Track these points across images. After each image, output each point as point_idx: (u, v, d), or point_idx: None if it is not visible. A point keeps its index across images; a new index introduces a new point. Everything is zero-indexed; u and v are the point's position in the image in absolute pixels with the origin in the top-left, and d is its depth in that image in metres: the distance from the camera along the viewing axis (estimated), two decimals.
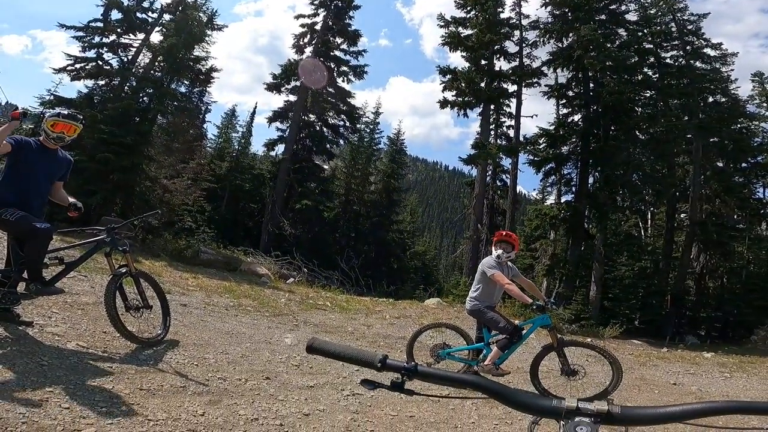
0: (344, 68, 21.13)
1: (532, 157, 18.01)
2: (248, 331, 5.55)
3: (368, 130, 23.47)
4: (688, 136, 17.03)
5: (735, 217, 18.50)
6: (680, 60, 18.21)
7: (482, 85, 17.92)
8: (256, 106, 31.31)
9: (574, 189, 17.54)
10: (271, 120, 21.15)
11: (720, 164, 18.38)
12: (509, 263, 4.88)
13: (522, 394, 0.74)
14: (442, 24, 18.93)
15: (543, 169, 18.00)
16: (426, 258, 24.17)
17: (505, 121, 19.48)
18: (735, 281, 18.12)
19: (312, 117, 21.26)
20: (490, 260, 4.78)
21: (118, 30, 14.09)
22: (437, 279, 22.44)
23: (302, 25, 21.18)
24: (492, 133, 19.06)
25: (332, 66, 21.07)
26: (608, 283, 17.76)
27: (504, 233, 5.09)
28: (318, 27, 20.90)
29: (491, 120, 18.90)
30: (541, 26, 18.08)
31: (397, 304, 10.46)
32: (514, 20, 18.58)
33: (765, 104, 20.59)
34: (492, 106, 18.56)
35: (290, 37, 21.34)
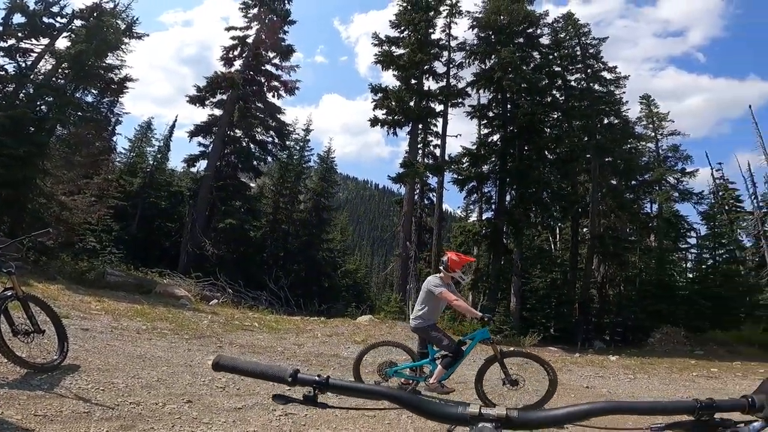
0: (275, 83, 20.71)
1: (456, 176, 18.82)
2: (165, 354, 5.08)
3: (298, 148, 22.94)
4: (588, 155, 18.85)
5: (627, 230, 21.00)
6: (582, 83, 20.08)
7: (411, 104, 18.45)
8: (176, 120, 29.50)
9: (493, 206, 18.52)
10: (192, 134, 19.96)
11: (614, 182, 20.61)
12: (450, 281, 4.98)
13: (431, 403, 0.76)
14: (377, 42, 19.45)
15: (466, 188, 18.84)
16: (357, 276, 24.07)
17: (432, 140, 20.12)
18: (630, 289, 20.37)
19: (238, 132, 20.44)
20: (435, 279, 4.87)
21: (19, 34, 12.55)
22: (369, 296, 22.39)
23: (233, 38, 20.60)
24: (420, 151, 19.63)
25: (262, 80, 20.63)
26: (526, 294, 19.01)
27: (465, 258, 5.19)
28: (250, 40, 20.41)
29: (419, 139, 19.47)
30: (467, 48, 19.17)
31: (328, 323, 10.24)
32: (444, 41, 19.52)
33: (651, 126, 23.78)
34: (420, 125, 19.13)
35: (220, 48, 20.63)
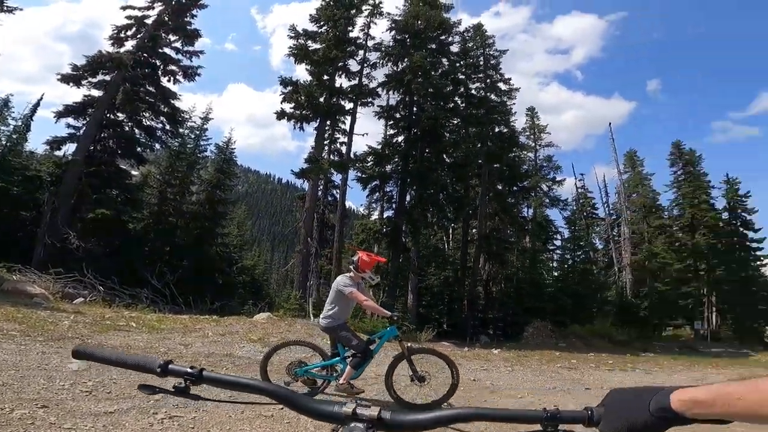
0: (173, 67, 19.08)
1: (360, 174, 19.13)
2: (12, 358, 4.28)
3: (193, 136, 21.06)
4: (480, 161, 20.52)
5: (508, 231, 23.45)
6: (481, 91, 21.65)
7: (321, 99, 18.19)
8: (41, 98, 24.12)
9: (394, 206, 19.20)
10: (61, 115, 17.21)
11: (499, 187, 22.85)
12: (360, 281, 4.96)
13: (307, 399, 0.76)
14: (293, 35, 18.85)
15: (369, 186, 19.27)
16: (255, 272, 22.92)
17: (339, 138, 20.11)
18: (509, 286, 22.73)
19: (121, 116, 18.21)
20: (345, 279, 4.85)
21: None
22: (268, 293, 21.45)
23: (129, 17, 18.39)
24: (326, 148, 19.45)
25: (158, 63, 18.84)
26: (422, 291, 20.07)
27: (376, 258, 5.17)
28: (150, 21, 18.42)
29: (326, 135, 19.30)
30: (383, 49, 19.57)
31: (221, 321, 9.58)
32: (361, 40, 19.56)
33: (532, 136, 26.67)
34: (328, 122, 18.98)
35: (111, 28, 18.32)
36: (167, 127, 19.34)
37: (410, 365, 4.82)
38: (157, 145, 19.71)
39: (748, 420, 0.54)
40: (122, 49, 18.01)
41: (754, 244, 29.79)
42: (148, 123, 18.89)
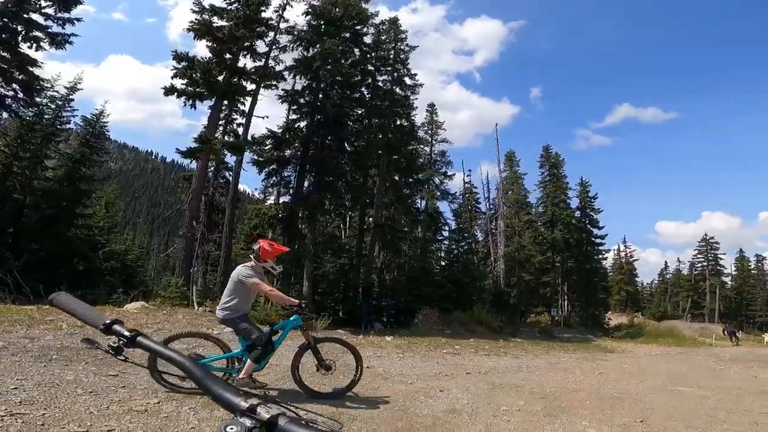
0: (37, 33, 16.33)
1: (256, 157, 18.29)
2: None
3: (53, 107, 18.06)
4: (379, 152, 21.06)
5: (402, 221, 24.53)
6: (388, 84, 22.10)
7: (220, 78, 16.87)
8: None
9: (291, 191, 18.77)
10: None
11: (396, 177, 23.79)
12: (261, 270, 4.77)
13: (219, 385, 0.75)
14: (197, 10, 17.00)
15: (266, 170, 18.54)
16: (128, 258, 20.25)
17: (236, 118, 18.90)
18: (402, 274, 23.86)
19: None
20: (246, 269, 4.65)
21: None
22: (144, 281, 19.17)
23: None
24: (220, 128, 18.19)
25: (19, 29, 16.01)
26: (317, 278, 19.94)
27: (279, 248, 4.97)
28: None
29: (222, 115, 18.04)
30: (295, 33, 18.67)
31: None
32: (273, 21, 18.35)
33: (430, 131, 28.21)
34: (226, 102, 17.69)
35: None
36: (20, 95, 16.73)
37: (316, 354, 4.83)
38: (5, 114, 16.91)
39: None
40: None
41: (598, 240, 36.04)
42: None
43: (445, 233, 28.72)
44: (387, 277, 23.95)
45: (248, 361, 4.43)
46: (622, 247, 56.85)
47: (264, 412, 0.67)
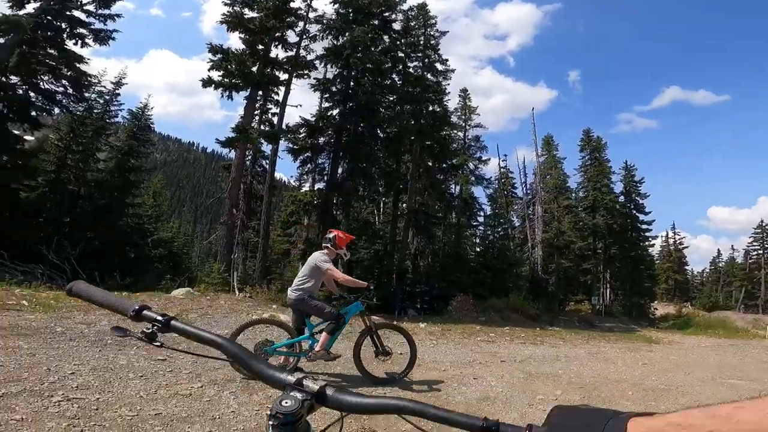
0: (82, 30, 17.11)
1: (291, 145, 18.61)
2: None
3: (102, 101, 19.31)
4: (412, 138, 20.98)
5: (436, 207, 24.30)
6: (419, 70, 21.91)
7: (254, 69, 17.27)
8: None
9: (326, 178, 18.98)
10: None
11: (429, 163, 23.57)
12: (334, 257, 5.14)
13: (259, 362, 0.76)
14: (229, 2, 17.40)
15: (300, 158, 18.86)
16: (174, 245, 21.36)
17: (270, 108, 19.37)
18: (436, 260, 23.74)
19: (15, 79, 16.26)
20: (322, 255, 4.98)
21: None
22: (189, 267, 20.23)
23: None
24: (256, 118, 18.64)
25: (63, 26, 16.80)
26: (352, 265, 20.20)
27: (349, 237, 5.37)
28: None
29: (257, 105, 18.48)
30: (324, 21, 18.76)
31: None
32: (302, 11, 18.55)
33: (463, 117, 27.70)
34: (260, 92, 18.13)
35: None
36: (70, 91, 17.60)
37: (376, 340, 5.02)
38: (57, 110, 17.89)
39: None
40: (22, 11, 16.02)
41: (644, 226, 34.25)
42: (47, 86, 17.09)
43: (480, 219, 28.26)
44: (421, 263, 23.92)
45: (324, 334, 4.74)
46: (670, 234, 53.70)
47: (311, 384, 0.69)
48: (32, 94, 16.82)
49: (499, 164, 35.20)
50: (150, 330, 0.79)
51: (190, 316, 7.86)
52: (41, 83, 16.92)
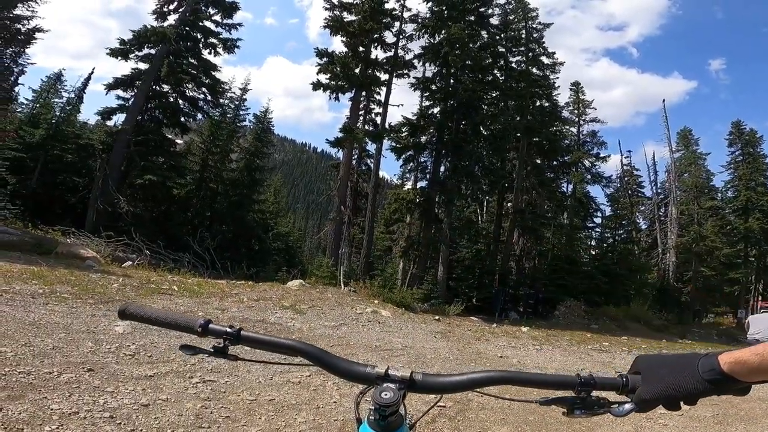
0: (213, 40, 19.53)
1: (394, 144, 19.07)
2: (63, 320, 4.65)
3: (233, 107, 21.94)
4: (518, 134, 19.96)
5: (545, 207, 22.72)
6: (522, 65, 20.99)
7: (357, 71, 18.15)
8: (92, 72, 25.01)
9: (428, 176, 19.09)
10: (111, 87, 18.12)
11: (538, 161, 22.15)
12: None
13: (341, 361, 0.78)
14: (328, 7, 18.68)
15: (403, 156, 19.17)
16: (290, 239, 23.58)
17: (374, 108, 20.05)
18: (543, 263, 22.21)
19: (165, 88, 19.07)
20: None
21: None
22: (301, 260, 22.14)
23: None
24: (361, 118, 19.47)
25: (198, 36, 19.38)
26: (453, 264, 19.99)
27: None
28: None
29: (361, 106, 19.29)
30: (419, 20, 19.06)
31: (256, 287, 10.00)
32: (397, 11, 19.11)
33: (576, 111, 25.50)
34: (363, 93, 18.93)
35: (154, 2, 18.95)
36: (209, 97, 20.09)
37: None
38: (200, 115, 20.58)
39: None
40: (165, 23, 18.67)
41: None
42: (191, 94, 19.72)
43: (597, 220, 25.64)
44: (526, 265, 22.67)
45: None
46: None
47: (400, 373, 0.71)
48: (180, 101, 19.46)
49: (621, 161, 31.44)
50: (222, 345, 0.78)
51: (302, 307, 8.55)
52: (186, 91, 19.51)
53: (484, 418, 3.89)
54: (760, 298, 27.58)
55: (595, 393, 0.66)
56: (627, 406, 0.66)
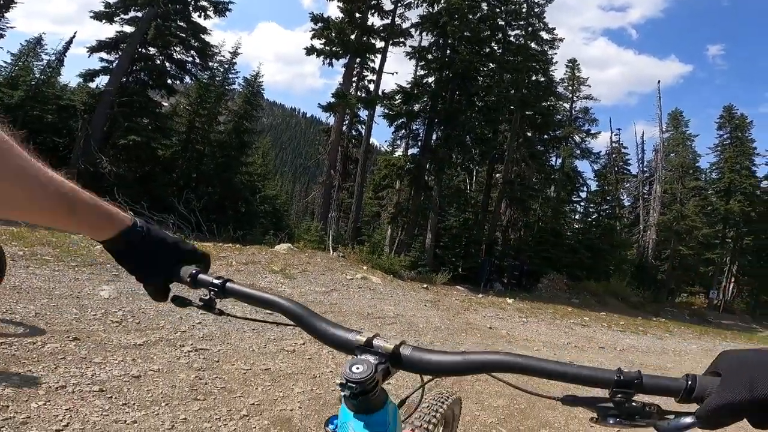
0: (203, 2, 18.71)
1: (387, 111, 18.73)
2: (45, 285, 4.49)
3: (222, 70, 21.37)
4: (512, 107, 19.82)
5: (534, 179, 22.78)
6: (521, 39, 20.59)
7: (352, 37, 17.79)
8: (74, 35, 23.37)
9: (420, 144, 18.95)
10: (94, 50, 17.39)
11: (529, 134, 22.14)
12: None
13: (324, 322, 0.68)
14: None
15: (395, 123, 18.92)
16: (277, 202, 23.25)
17: (367, 75, 19.86)
18: (529, 234, 22.53)
19: (152, 50, 18.41)
20: None
21: None
22: (288, 224, 21.94)
23: None
24: (354, 84, 19.20)
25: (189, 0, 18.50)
26: (440, 232, 20.10)
27: None
28: None
29: (355, 72, 19.04)
30: None
31: (244, 250, 9.90)
32: None
33: (570, 87, 25.36)
34: (358, 59, 18.63)
35: None
36: (197, 60, 19.62)
37: None
38: (187, 78, 20.10)
39: None
40: None
41: None
42: (179, 57, 19.23)
43: (583, 195, 25.92)
44: (512, 236, 22.94)
45: None
46: None
47: (384, 344, 0.60)
48: (167, 64, 18.99)
49: (611, 138, 31.51)
50: (207, 296, 0.73)
51: (292, 272, 8.51)
52: (174, 54, 18.98)
53: (480, 390, 3.96)
54: (732, 280, 28.79)
55: (638, 397, 0.50)
56: (686, 420, 0.48)
